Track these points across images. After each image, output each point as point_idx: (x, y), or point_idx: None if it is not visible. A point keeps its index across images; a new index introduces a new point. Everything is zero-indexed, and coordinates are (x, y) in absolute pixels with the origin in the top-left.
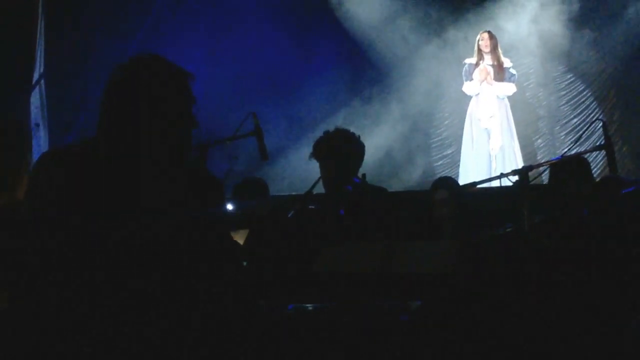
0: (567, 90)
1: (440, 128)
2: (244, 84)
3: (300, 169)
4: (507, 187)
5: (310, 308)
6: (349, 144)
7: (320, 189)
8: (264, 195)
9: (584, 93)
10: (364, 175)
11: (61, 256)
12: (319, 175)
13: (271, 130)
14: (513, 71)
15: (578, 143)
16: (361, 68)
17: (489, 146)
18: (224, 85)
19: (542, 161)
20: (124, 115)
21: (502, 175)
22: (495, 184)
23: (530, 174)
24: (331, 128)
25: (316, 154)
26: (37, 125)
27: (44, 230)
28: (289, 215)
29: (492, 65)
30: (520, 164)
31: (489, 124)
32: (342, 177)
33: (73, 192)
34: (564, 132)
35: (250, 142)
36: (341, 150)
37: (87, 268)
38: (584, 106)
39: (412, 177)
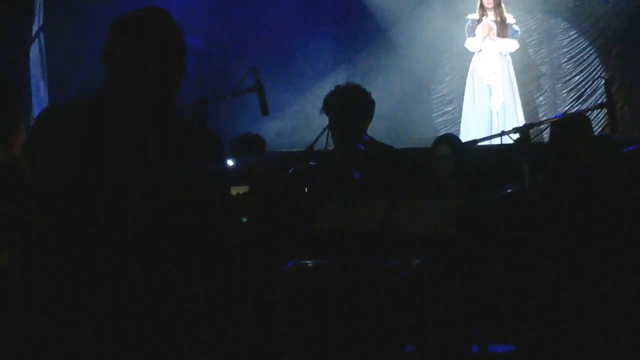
0: (570, 47)
1: (441, 84)
2: (244, 39)
3: (301, 126)
4: (508, 145)
5: (310, 265)
6: (361, 99)
7: (319, 146)
8: (261, 151)
9: (587, 50)
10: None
11: (64, 224)
12: (318, 132)
13: (270, 87)
14: (516, 27)
15: (580, 101)
16: (361, 24)
17: (490, 103)
18: (225, 41)
19: (544, 119)
20: (131, 70)
21: (503, 133)
22: (496, 141)
23: (531, 131)
24: (331, 85)
25: (327, 108)
26: (36, 78)
27: (47, 200)
28: (290, 172)
29: (495, 22)
30: (521, 122)
31: (490, 80)
32: (353, 134)
33: (77, 153)
34: (566, 90)
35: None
36: (353, 106)
37: (88, 235)
38: (587, 63)
39: (413, 134)
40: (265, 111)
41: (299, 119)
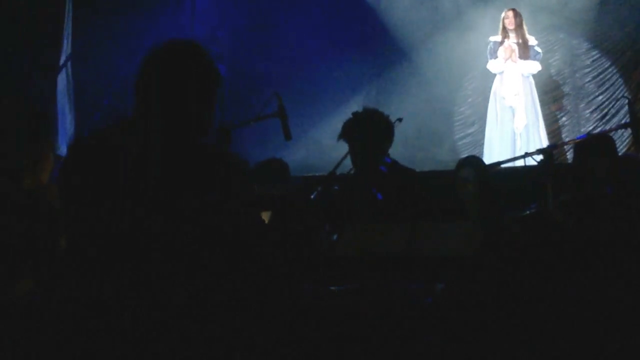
0: (592, 67)
1: (464, 106)
2: (267, 66)
3: (322, 150)
4: (531, 167)
5: (333, 289)
6: (379, 122)
7: (341, 169)
8: (285, 176)
9: (609, 70)
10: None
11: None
12: (340, 155)
13: (293, 112)
14: (538, 49)
15: (603, 121)
16: (383, 47)
17: (513, 125)
18: (247, 67)
19: (567, 140)
20: (169, 101)
21: (526, 155)
22: (519, 163)
23: (554, 152)
24: (354, 109)
25: (346, 134)
26: (63, 106)
27: (77, 231)
28: (312, 197)
29: (517, 43)
30: (545, 143)
31: (513, 102)
32: (373, 158)
33: (107, 186)
34: (589, 110)
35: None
36: (371, 130)
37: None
38: (610, 83)
39: (436, 156)
40: (288, 136)
41: (322, 145)
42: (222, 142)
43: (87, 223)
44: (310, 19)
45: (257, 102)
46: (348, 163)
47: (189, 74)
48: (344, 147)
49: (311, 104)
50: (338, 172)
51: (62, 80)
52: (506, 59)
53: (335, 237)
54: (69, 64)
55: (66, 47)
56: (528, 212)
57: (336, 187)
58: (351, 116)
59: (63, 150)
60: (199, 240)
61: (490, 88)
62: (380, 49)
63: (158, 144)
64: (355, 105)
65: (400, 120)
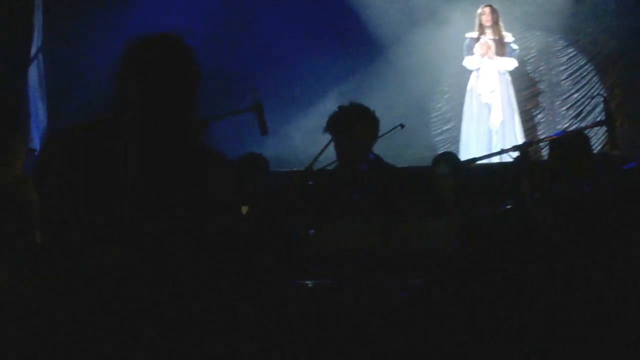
0: (568, 65)
1: (440, 102)
2: (243, 60)
3: (297, 146)
4: (507, 163)
5: (310, 285)
6: (365, 118)
7: (319, 164)
8: (265, 171)
9: (585, 67)
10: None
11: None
12: (317, 151)
13: (270, 106)
14: (514, 46)
15: (579, 118)
16: (360, 43)
17: (489, 121)
18: (225, 61)
19: (543, 137)
20: (148, 95)
21: (502, 151)
22: (495, 159)
23: (530, 149)
24: (330, 103)
25: (331, 127)
26: (35, 99)
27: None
28: (290, 191)
29: (494, 40)
30: (520, 140)
31: (489, 98)
32: (357, 153)
33: (83, 177)
34: (565, 107)
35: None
36: (357, 125)
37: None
38: (585, 81)
39: (412, 152)
40: (264, 131)
41: (299, 138)
42: (200, 135)
43: (63, 218)
44: (286, 13)
45: (231, 96)
46: (324, 158)
47: (168, 68)
48: (319, 143)
49: (286, 99)
50: (315, 167)
51: (33, 73)
52: (482, 56)
53: (312, 232)
54: (40, 56)
55: (37, 40)
56: (504, 208)
57: (310, 182)
58: (337, 109)
59: (36, 143)
60: (181, 235)
61: (467, 85)
62: (356, 44)
63: (138, 138)
64: (330, 101)
65: (402, 126)
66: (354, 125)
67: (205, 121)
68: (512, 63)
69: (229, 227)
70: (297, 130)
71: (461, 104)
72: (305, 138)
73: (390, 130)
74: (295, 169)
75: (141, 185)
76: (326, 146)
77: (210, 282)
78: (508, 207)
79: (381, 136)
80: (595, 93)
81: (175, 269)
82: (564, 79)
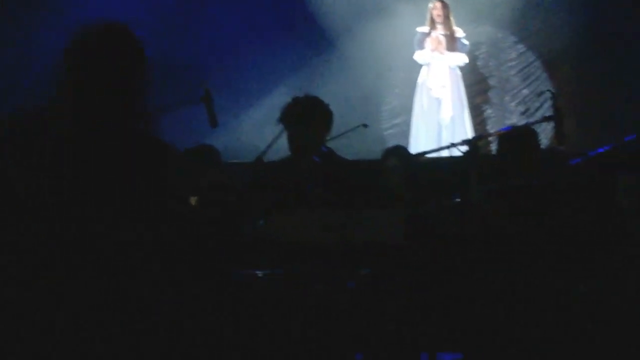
0: (518, 61)
1: (390, 96)
2: (192, 51)
3: (246, 137)
4: (456, 157)
5: (259, 275)
6: (319, 111)
7: (269, 157)
8: (216, 163)
9: (535, 64)
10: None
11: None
12: (266, 143)
13: (220, 97)
14: (465, 41)
15: (527, 114)
16: (311, 34)
17: (439, 116)
18: (174, 51)
19: (492, 131)
20: (95, 85)
21: (451, 145)
22: (445, 153)
23: (479, 143)
24: (278, 97)
25: (285, 118)
26: None
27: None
28: (241, 182)
29: (445, 35)
30: (470, 134)
31: (440, 93)
32: (311, 145)
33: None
34: (514, 103)
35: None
36: (311, 117)
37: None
38: (534, 77)
39: (362, 145)
40: (213, 122)
41: (250, 130)
42: (148, 127)
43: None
44: (237, 5)
45: (181, 88)
46: (275, 149)
47: (112, 57)
48: (270, 135)
49: (236, 91)
50: (265, 158)
51: None
52: (433, 50)
53: (262, 222)
54: None
55: None
56: (453, 201)
57: (262, 174)
58: (291, 101)
59: None
60: (126, 227)
61: (417, 79)
62: (307, 37)
63: (84, 129)
64: (280, 93)
65: (365, 125)
66: (309, 118)
67: (154, 113)
68: (462, 58)
69: (178, 219)
70: (247, 121)
71: (411, 98)
72: (255, 130)
73: (353, 129)
74: (245, 161)
75: (87, 177)
76: (277, 137)
77: (158, 273)
78: (457, 200)
79: (342, 134)
80: (545, 89)
81: (122, 262)
82: (513, 75)
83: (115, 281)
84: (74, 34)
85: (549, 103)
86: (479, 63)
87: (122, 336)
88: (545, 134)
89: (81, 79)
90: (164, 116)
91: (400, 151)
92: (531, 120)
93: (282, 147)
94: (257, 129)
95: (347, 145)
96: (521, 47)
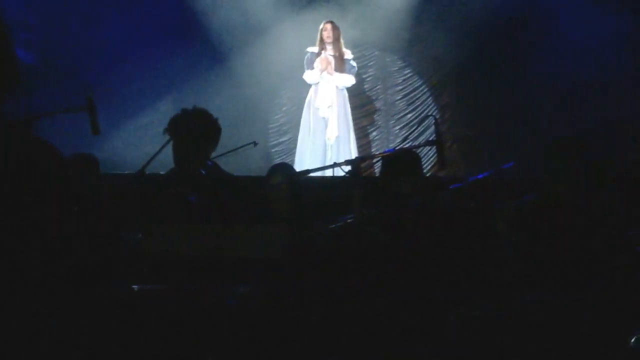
0: (404, 86)
1: (278, 114)
2: (79, 57)
3: (129, 148)
4: (340, 177)
5: (136, 289)
6: (208, 125)
7: (151, 169)
8: (95, 172)
9: (420, 89)
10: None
11: None
12: (150, 154)
13: (105, 105)
14: (353, 63)
15: (411, 138)
16: (202, 46)
17: (325, 135)
18: (60, 56)
19: (376, 153)
20: None
21: (335, 165)
22: (329, 173)
23: (363, 165)
24: (165, 109)
25: (172, 130)
26: None
27: None
28: (120, 192)
29: (334, 56)
30: (355, 155)
31: (326, 113)
32: (197, 158)
33: None
34: (399, 127)
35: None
36: (198, 130)
37: None
38: (419, 102)
39: (248, 161)
40: (96, 130)
41: (129, 142)
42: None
43: None
44: (128, 15)
45: (65, 94)
46: (158, 160)
47: None
48: (153, 146)
49: (121, 100)
50: (149, 169)
51: None
52: (322, 71)
53: (139, 235)
54: None
55: None
56: (336, 223)
57: (144, 185)
58: (180, 112)
59: None
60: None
61: (305, 98)
62: (197, 50)
63: None
64: (167, 105)
65: (255, 144)
66: (197, 130)
67: (32, 118)
68: (350, 80)
69: (54, 228)
70: (131, 131)
71: (299, 117)
72: (139, 139)
73: (243, 147)
74: (126, 172)
75: None
76: (162, 148)
77: (33, 283)
78: (340, 223)
79: (232, 150)
80: (428, 114)
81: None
82: (399, 99)
83: None
84: None
85: (432, 129)
86: (366, 86)
87: None
88: (427, 159)
89: None
90: (43, 122)
91: (284, 169)
92: (415, 144)
93: (167, 158)
94: (140, 139)
95: (233, 160)
96: (408, 72)
